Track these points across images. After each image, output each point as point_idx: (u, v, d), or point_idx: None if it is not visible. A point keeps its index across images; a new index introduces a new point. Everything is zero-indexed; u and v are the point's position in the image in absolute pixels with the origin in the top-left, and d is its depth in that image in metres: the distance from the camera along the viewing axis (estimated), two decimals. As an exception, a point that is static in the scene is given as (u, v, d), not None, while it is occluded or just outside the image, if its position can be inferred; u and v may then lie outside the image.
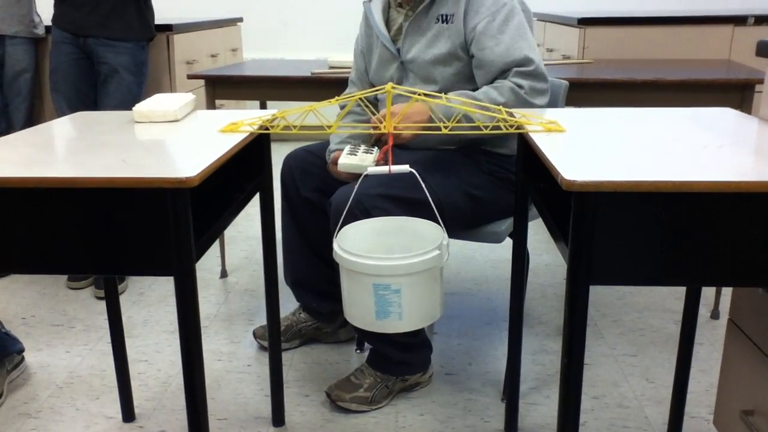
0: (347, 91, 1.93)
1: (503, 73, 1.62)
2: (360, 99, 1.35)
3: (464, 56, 1.66)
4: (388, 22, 1.79)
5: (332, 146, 1.80)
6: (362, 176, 1.48)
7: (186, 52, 2.91)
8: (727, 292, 2.23)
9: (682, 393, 1.57)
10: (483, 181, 1.67)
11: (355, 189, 1.47)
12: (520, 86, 1.59)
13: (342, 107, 1.83)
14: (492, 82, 1.64)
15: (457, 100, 1.49)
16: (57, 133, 1.30)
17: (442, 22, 1.66)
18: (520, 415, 1.68)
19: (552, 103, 1.80)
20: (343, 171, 1.56)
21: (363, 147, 1.66)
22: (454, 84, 1.68)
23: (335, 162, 1.67)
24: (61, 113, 2.43)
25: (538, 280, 2.49)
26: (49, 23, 2.50)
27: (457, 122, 1.52)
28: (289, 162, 1.88)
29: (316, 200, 1.84)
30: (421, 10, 1.68)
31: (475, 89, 1.65)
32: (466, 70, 1.68)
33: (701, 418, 1.68)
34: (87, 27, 2.39)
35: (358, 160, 1.56)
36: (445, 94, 1.58)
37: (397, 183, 1.56)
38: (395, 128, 1.46)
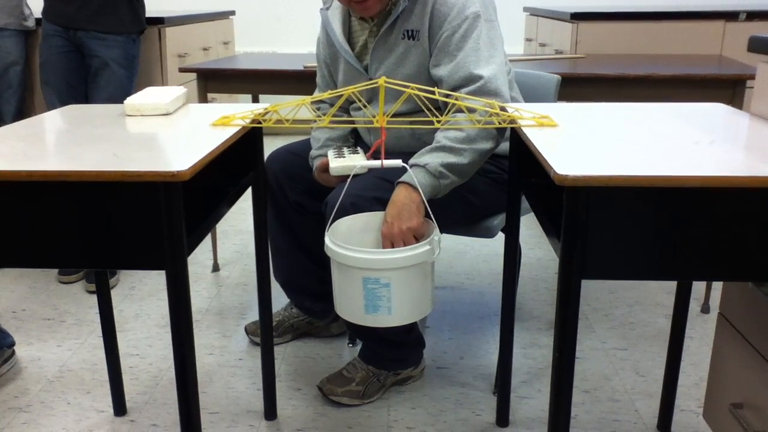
0: (315, 94, 1.84)
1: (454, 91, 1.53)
2: (353, 93, 1.34)
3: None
4: (350, 35, 1.68)
5: (314, 152, 1.74)
6: (352, 174, 1.47)
7: (178, 46, 2.89)
8: (717, 286, 2.24)
9: (672, 386, 1.58)
10: (478, 183, 1.64)
11: (346, 187, 1.46)
12: (472, 111, 1.49)
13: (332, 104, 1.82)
14: (444, 102, 1.55)
15: (437, 155, 1.46)
16: (48, 127, 1.30)
17: (409, 39, 1.57)
18: (511, 409, 1.69)
19: (544, 98, 1.81)
20: (335, 175, 1.54)
21: (346, 148, 1.66)
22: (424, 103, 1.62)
23: (323, 169, 1.64)
24: (51, 106, 2.42)
25: (530, 275, 2.50)
26: (40, 16, 2.48)
27: (448, 181, 1.48)
28: (272, 166, 1.81)
29: (307, 203, 1.80)
30: (387, 26, 1.58)
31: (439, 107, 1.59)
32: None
33: (691, 411, 1.69)
34: (77, 20, 2.38)
35: (347, 161, 1.55)
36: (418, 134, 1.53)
37: (392, 186, 1.54)
38: (388, 123, 1.46)
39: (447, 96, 1.46)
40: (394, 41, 1.59)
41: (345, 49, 1.65)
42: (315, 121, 1.51)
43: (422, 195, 1.42)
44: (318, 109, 1.83)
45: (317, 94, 1.81)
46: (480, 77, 1.49)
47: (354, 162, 1.53)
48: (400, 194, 1.45)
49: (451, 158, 1.46)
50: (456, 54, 1.52)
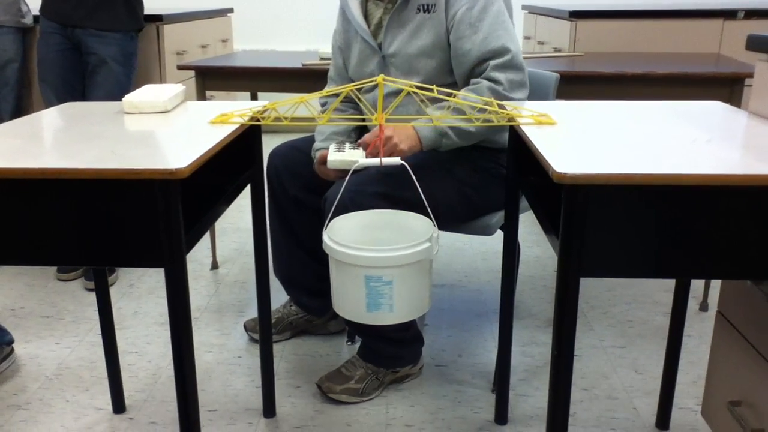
0: (327, 87, 1.87)
1: (480, 64, 1.57)
2: (352, 91, 1.34)
3: (447, 47, 1.62)
4: (366, 16, 1.73)
5: (317, 145, 1.76)
6: (352, 170, 1.47)
7: (176, 43, 2.89)
8: (716, 284, 2.25)
9: (670, 384, 1.58)
10: (476, 178, 1.65)
11: (345, 183, 1.46)
12: (497, 82, 1.54)
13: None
14: (469, 73, 1.60)
15: (444, 115, 1.50)
16: (45, 124, 1.29)
17: (424, 12, 1.61)
18: (510, 406, 1.69)
19: (543, 96, 1.80)
20: (333, 168, 1.55)
21: (348, 144, 1.66)
22: (436, 76, 1.64)
23: (322, 161, 1.65)
24: (49, 104, 2.41)
25: (529, 272, 2.50)
26: (37, 13, 2.48)
27: (450, 142, 1.56)
28: (273, 161, 1.83)
29: (305, 198, 1.81)
30: (401, 2, 1.63)
31: (453, 82, 1.64)
32: (449, 62, 1.63)
33: (689, 409, 1.69)
34: (75, 17, 2.37)
35: (347, 155, 1.55)
36: (429, 104, 1.57)
37: (392, 181, 1.54)
38: (386, 121, 1.46)
39: (448, 95, 1.47)
40: (408, 16, 1.63)
41: (362, 27, 1.69)
42: (314, 119, 1.51)
43: (422, 144, 1.53)
44: (325, 104, 1.85)
45: (328, 88, 1.85)
46: (508, 50, 1.56)
47: (352, 157, 1.53)
48: (406, 129, 1.54)
49: (473, 98, 1.51)
50: (478, 25, 1.56)
